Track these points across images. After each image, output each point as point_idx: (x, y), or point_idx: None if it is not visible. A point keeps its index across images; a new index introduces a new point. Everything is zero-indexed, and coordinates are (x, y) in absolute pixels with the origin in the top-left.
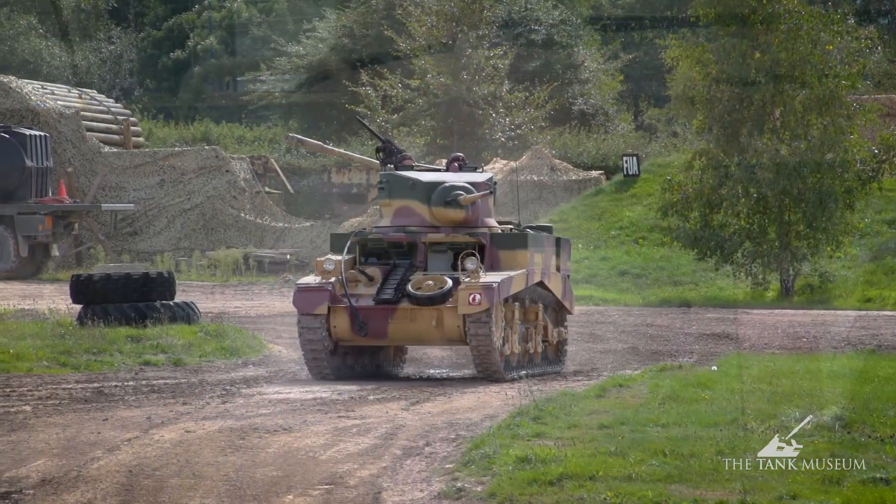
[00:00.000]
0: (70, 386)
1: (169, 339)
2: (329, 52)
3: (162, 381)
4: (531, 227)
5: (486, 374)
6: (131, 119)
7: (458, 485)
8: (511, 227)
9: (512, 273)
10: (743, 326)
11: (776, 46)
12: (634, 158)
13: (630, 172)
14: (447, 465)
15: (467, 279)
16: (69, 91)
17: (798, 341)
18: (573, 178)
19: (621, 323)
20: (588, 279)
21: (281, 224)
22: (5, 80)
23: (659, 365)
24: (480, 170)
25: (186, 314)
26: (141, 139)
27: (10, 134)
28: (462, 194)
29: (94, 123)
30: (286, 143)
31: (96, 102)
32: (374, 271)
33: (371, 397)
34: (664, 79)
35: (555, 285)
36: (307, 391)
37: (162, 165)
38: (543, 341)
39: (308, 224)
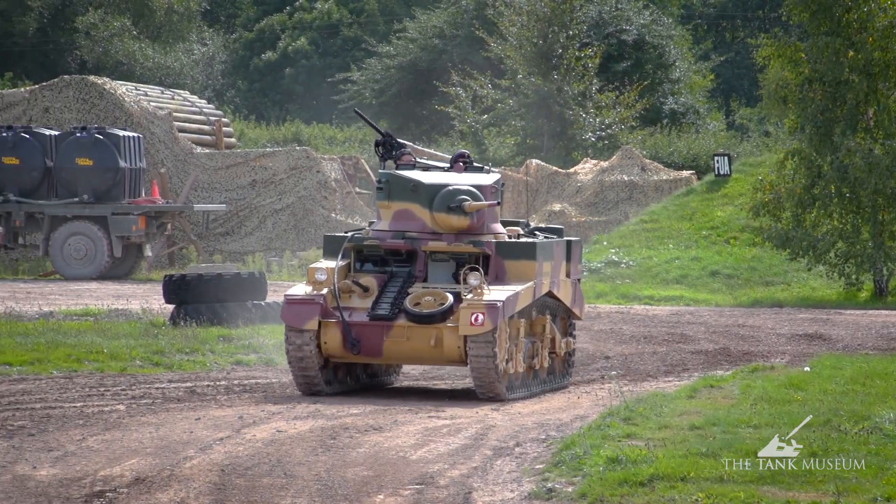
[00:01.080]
0: (163, 385)
1: (260, 339)
2: (419, 53)
3: (253, 381)
4: (539, 230)
5: (487, 397)
6: (223, 120)
7: (549, 485)
8: (519, 231)
9: (518, 287)
10: (836, 327)
11: (870, 45)
12: (726, 158)
13: (721, 172)
14: (537, 466)
15: (469, 296)
16: (162, 92)
17: (892, 342)
18: (664, 177)
19: (712, 323)
20: (679, 279)
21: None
22: (99, 81)
23: (751, 366)
24: (487, 170)
25: (278, 314)
26: (233, 140)
27: (104, 135)
28: (467, 200)
29: (187, 124)
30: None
31: (189, 104)
32: (370, 281)
33: (461, 398)
34: (756, 78)
35: (564, 293)
36: (397, 391)
37: (253, 166)
38: (550, 353)
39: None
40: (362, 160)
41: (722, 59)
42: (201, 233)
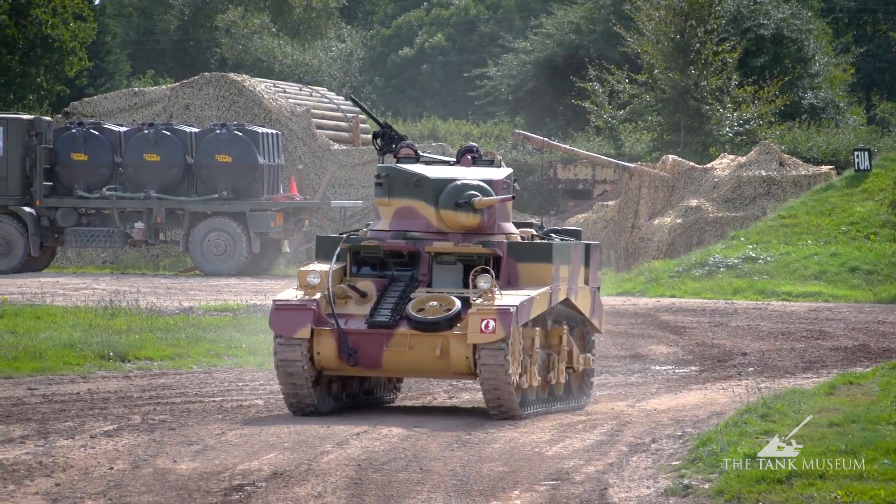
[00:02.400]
0: None
1: None
2: (556, 48)
3: None
4: (555, 232)
5: (499, 413)
6: (360, 116)
7: (685, 482)
8: (532, 232)
9: (533, 292)
10: None
11: None
12: (866, 153)
13: (861, 167)
14: (674, 462)
15: (479, 300)
16: (300, 89)
17: None
18: (802, 173)
19: (852, 320)
20: (817, 275)
21: None
22: (238, 78)
23: (891, 363)
24: (498, 164)
25: None
26: (369, 136)
27: (243, 132)
28: (477, 195)
29: (324, 121)
30: (512, 139)
31: (326, 100)
32: (368, 286)
33: (597, 393)
34: None
35: (582, 302)
36: None
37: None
38: (567, 368)
39: (534, 220)
40: (498, 156)
41: (862, 50)
42: (338, 229)
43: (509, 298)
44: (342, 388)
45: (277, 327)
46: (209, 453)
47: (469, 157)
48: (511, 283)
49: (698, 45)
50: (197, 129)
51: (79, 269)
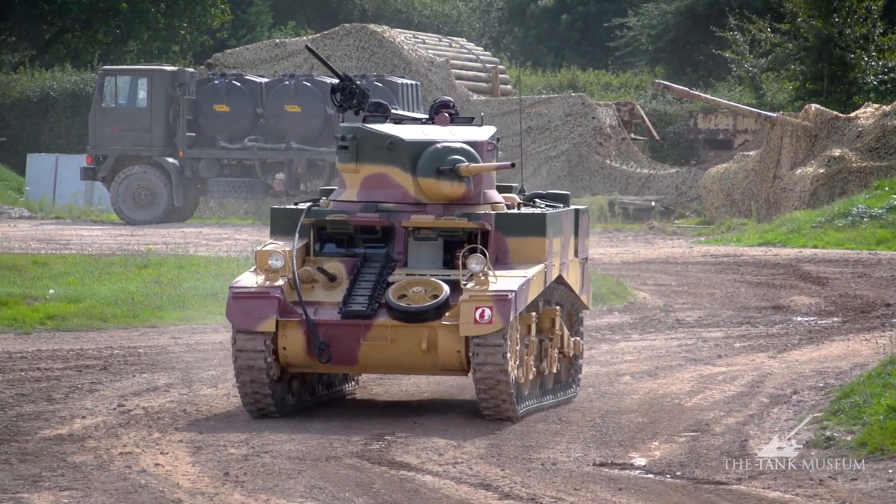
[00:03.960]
0: None
1: None
2: None
3: None
4: (539, 196)
5: (494, 413)
6: (499, 67)
7: (827, 434)
8: (515, 198)
9: (527, 273)
10: None
11: None
12: None
13: None
14: (815, 414)
15: (470, 284)
16: (440, 40)
17: None
18: None
19: None
20: None
21: (646, 170)
22: (378, 29)
23: None
24: (479, 122)
25: None
26: (508, 87)
27: (382, 83)
28: (462, 160)
29: (464, 72)
30: (652, 89)
31: (466, 51)
32: (337, 267)
33: (737, 345)
34: None
35: (573, 277)
36: (672, 338)
37: (529, 113)
38: (558, 354)
39: (674, 171)
40: (638, 106)
41: None
42: None
43: (505, 282)
44: (301, 386)
45: (237, 319)
46: (349, 403)
47: (445, 115)
48: (500, 261)
49: None
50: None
51: (221, 220)
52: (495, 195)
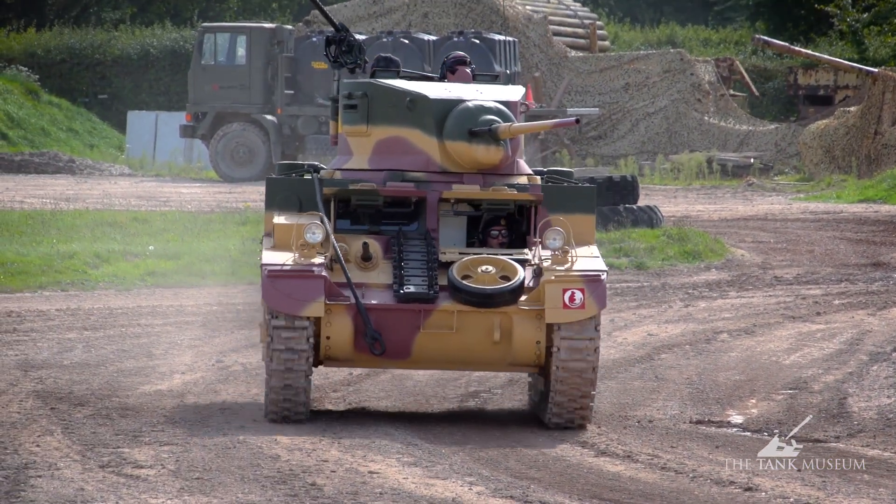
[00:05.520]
0: None
1: (631, 243)
2: None
3: (625, 285)
4: (538, 174)
5: (567, 421)
6: (598, 23)
7: None
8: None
9: (596, 252)
10: None
11: None
12: None
13: None
14: None
15: (547, 263)
16: None
17: None
18: None
19: None
20: None
21: (745, 127)
22: None
23: None
24: (503, 80)
25: (649, 218)
26: (606, 43)
27: (480, 39)
28: (497, 121)
29: (561, 28)
30: (752, 44)
31: (563, 7)
32: (374, 246)
33: (836, 302)
34: None
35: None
36: (770, 296)
37: (627, 69)
38: None
39: (773, 127)
40: (737, 62)
41: None
42: (574, 136)
43: (587, 261)
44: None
45: (277, 303)
46: None
47: (467, 71)
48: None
49: None
50: (435, 37)
51: None
52: (525, 166)
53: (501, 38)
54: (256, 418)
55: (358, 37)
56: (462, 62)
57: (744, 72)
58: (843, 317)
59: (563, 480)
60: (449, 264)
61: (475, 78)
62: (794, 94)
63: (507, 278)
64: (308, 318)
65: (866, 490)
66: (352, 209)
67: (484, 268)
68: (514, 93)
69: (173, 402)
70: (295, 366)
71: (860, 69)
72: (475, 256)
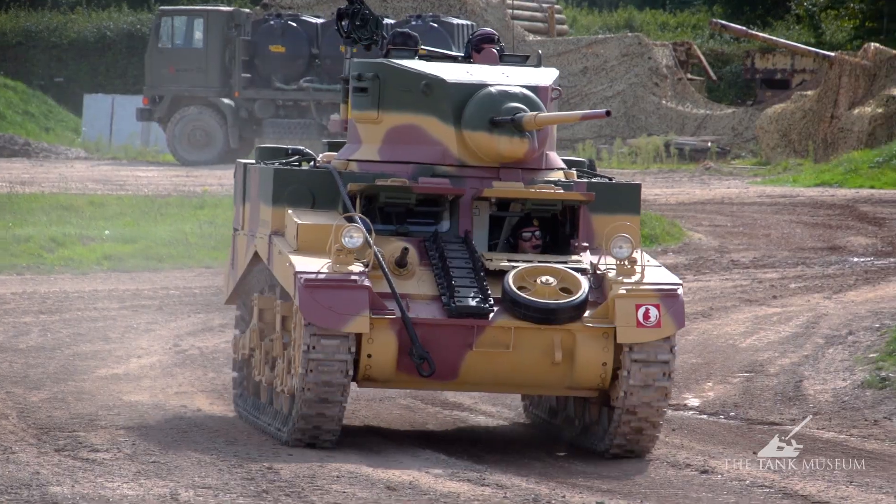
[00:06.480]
0: None
1: None
2: None
3: None
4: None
5: (632, 451)
6: (556, 7)
7: (883, 374)
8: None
9: (653, 260)
10: None
11: None
12: None
13: None
14: (870, 355)
15: (612, 274)
16: None
17: None
18: None
19: None
20: None
21: (702, 111)
22: None
23: None
24: (536, 62)
25: None
26: (565, 27)
27: (438, 23)
28: (523, 110)
29: (519, 12)
30: (710, 28)
31: None
32: (411, 253)
33: (792, 286)
34: None
35: None
36: (727, 279)
37: (585, 53)
38: None
39: (730, 111)
40: (695, 46)
41: None
42: None
43: (658, 272)
44: None
45: (318, 317)
46: None
47: (493, 51)
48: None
49: None
50: (392, 21)
51: None
52: (558, 159)
53: (459, 21)
54: (213, 402)
55: (317, 20)
56: (489, 40)
57: (701, 56)
58: (800, 300)
59: (520, 462)
60: (494, 273)
61: (503, 59)
62: (752, 78)
63: (567, 291)
64: (347, 333)
65: (821, 472)
66: (379, 207)
67: (544, 279)
68: (545, 77)
69: (130, 386)
70: (331, 395)
71: (817, 53)
72: (532, 265)
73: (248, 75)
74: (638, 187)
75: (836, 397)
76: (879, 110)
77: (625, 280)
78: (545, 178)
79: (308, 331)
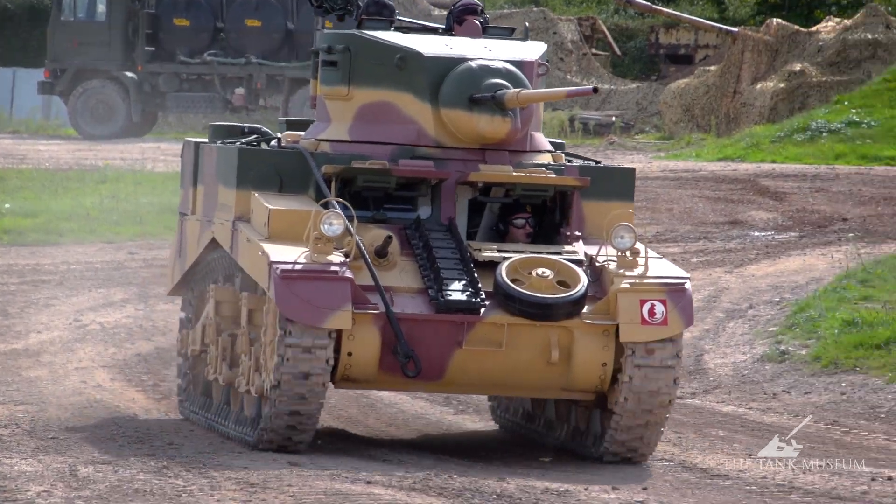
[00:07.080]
0: None
1: None
2: None
3: None
4: None
5: (628, 459)
6: None
7: (782, 348)
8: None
9: (653, 252)
10: None
11: None
12: None
13: None
14: (770, 329)
15: (612, 267)
16: None
17: None
18: None
19: None
20: None
21: (607, 86)
22: None
23: None
24: (523, 35)
25: None
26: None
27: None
28: (505, 86)
29: None
30: (614, 3)
31: None
32: (393, 243)
33: (694, 260)
34: None
35: None
36: None
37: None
38: None
39: (634, 86)
40: (599, 21)
41: None
42: None
43: (662, 265)
44: None
45: (295, 311)
46: None
47: (476, 23)
48: (580, 235)
49: None
50: None
51: (179, 135)
52: (545, 141)
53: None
54: (114, 377)
55: None
56: (472, 11)
57: (606, 31)
58: (701, 274)
59: (470, 448)
60: (482, 264)
61: (486, 31)
62: (656, 53)
63: (564, 284)
64: (328, 329)
65: (720, 445)
66: (355, 192)
67: (540, 271)
68: (531, 51)
69: (29, 362)
70: (308, 392)
71: (720, 29)
72: (526, 256)
73: (152, 49)
74: (632, 172)
75: (735, 371)
76: (781, 85)
77: (627, 273)
78: (534, 161)
79: (284, 326)
